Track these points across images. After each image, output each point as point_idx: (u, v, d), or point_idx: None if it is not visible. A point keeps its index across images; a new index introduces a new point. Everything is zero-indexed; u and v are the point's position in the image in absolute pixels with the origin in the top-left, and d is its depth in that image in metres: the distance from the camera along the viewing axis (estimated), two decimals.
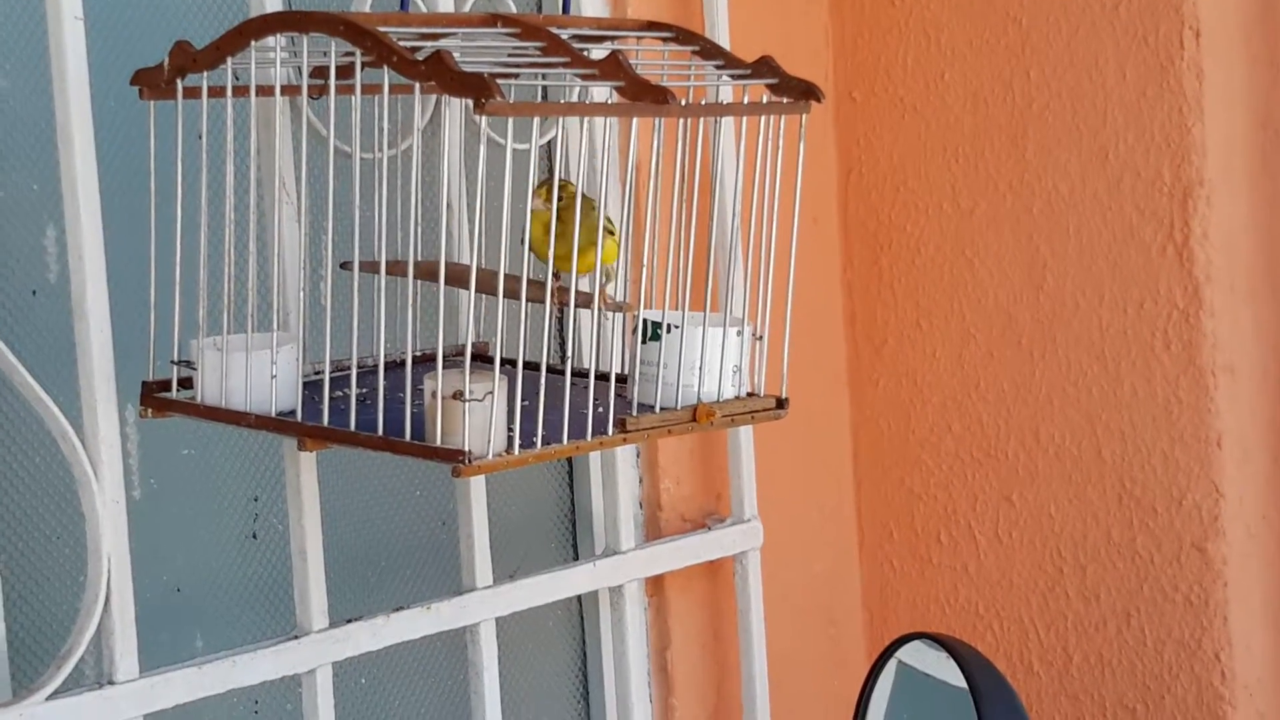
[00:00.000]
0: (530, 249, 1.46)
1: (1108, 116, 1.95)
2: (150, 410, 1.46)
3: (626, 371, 1.47)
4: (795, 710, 2.08)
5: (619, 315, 1.48)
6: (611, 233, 1.51)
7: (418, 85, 1.27)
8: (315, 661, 1.59)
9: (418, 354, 1.44)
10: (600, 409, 1.38)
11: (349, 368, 1.36)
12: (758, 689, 1.98)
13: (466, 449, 1.27)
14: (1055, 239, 2.01)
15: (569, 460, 1.99)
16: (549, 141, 1.86)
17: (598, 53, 1.40)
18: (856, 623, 2.21)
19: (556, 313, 1.90)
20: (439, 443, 1.29)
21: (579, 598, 1.98)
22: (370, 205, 1.44)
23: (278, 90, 1.41)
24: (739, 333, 1.44)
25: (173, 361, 1.44)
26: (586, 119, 1.37)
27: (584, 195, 1.39)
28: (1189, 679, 1.96)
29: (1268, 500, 1.95)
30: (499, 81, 1.23)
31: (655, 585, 1.97)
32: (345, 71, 1.35)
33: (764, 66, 1.46)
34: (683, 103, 1.32)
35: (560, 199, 1.42)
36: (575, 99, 1.43)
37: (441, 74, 1.24)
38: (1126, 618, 2.00)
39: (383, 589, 1.83)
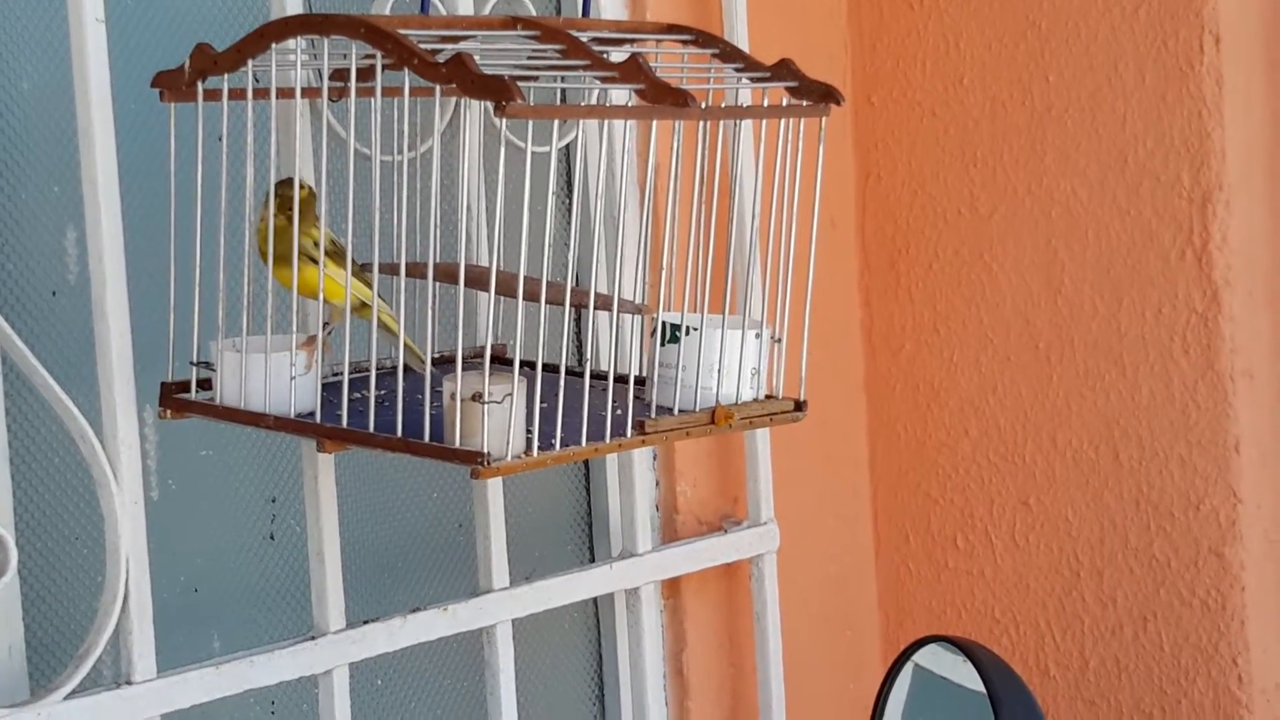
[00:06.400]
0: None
1: (1127, 121, 1.95)
2: (169, 411, 1.46)
3: (645, 374, 1.47)
4: (811, 713, 2.08)
5: (637, 317, 1.48)
6: (333, 255, 1.41)
7: (438, 88, 1.28)
8: (332, 662, 1.59)
9: (436, 356, 1.45)
10: (619, 411, 1.38)
11: (368, 369, 1.36)
12: (773, 692, 1.98)
13: (485, 451, 1.27)
14: (1074, 243, 2.01)
15: (585, 462, 1.99)
16: (567, 145, 1.86)
17: (617, 55, 1.40)
18: (872, 626, 2.21)
19: (574, 315, 1.90)
20: (458, 444, 1.29)
21: (595, 600, 1.98)
22: (389, 207, 1.44)
23: (298, 92, 1.41)
24: (757, 335, 1.43)
25: (192, 363, 1.45)
26: (606, 122, 1.37)
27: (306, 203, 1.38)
28: (1206, 684, 1.95)
29: None
30: (519, 84, 1.23)
31: (671, 588, 1.97)
32: (365, 74, 1.35)
33: (784, 69, 1.46)
34: (702, 105, 1.32)
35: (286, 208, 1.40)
36: (595, 102, 1.43)
37: (462, 76, 1.24)
38: (1143, 622, 1.99)
39: (399, 590, 1.83)
